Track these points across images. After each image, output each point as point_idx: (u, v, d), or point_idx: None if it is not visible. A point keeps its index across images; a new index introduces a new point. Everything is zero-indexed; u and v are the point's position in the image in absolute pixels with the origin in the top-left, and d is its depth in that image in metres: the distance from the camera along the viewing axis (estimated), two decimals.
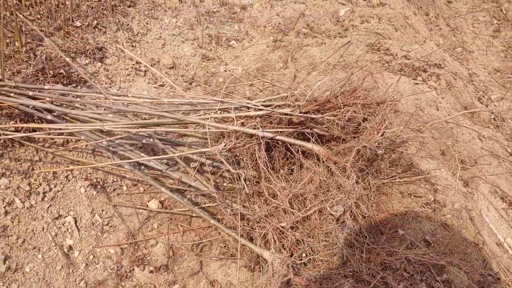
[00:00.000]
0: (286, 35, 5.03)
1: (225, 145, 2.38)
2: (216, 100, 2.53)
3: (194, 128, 2.70)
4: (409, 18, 5.76)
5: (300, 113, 2.36)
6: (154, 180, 2.95)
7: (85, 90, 3.22)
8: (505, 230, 3.00)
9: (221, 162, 2.37)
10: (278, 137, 2.35)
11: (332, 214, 2.19)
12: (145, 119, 3.41)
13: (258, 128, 2.36)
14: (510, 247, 2.87)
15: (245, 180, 2.33)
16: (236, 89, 4.24)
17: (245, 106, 2.51)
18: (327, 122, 2.31)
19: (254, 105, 2.45)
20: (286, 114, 2.35)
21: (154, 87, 4.10)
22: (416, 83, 4.00)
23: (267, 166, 2.30)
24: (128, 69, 4.05)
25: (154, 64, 4.34)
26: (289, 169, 2.52)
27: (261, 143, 2.35)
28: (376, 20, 5.30)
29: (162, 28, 4.73)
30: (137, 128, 2.52)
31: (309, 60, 4.41)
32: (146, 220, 2.89)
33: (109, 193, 2.98)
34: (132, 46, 4.34)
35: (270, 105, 2.46)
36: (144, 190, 3.09)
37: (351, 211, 2.23)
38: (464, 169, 3.32)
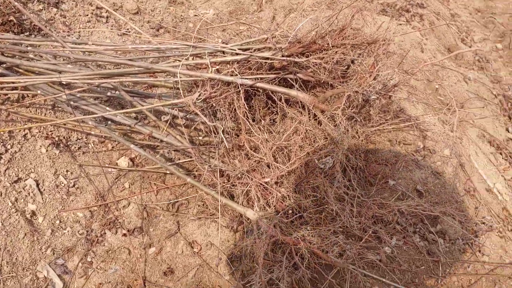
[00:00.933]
0: None
1: (199, 95, 2.14)
2: (188, 45, 2.25)
3: (164, 78, 2.43)
4: None
5: (283, 56, 2.11)
6: (122, 136, 2.70)
7: (40, 39, 2.87)
8: (494, 176, 2.90)
9: (196, 114, 2.13)
10: (258, 84, 2.11)
11: (320, 168, 2.01)
12: (110, 69, 3.10)
13: (236, 75, 2.11)
14: (499, 193, 2.78)
15: (223, 133, 2.11)
16: (208, 34, 3.93)
17: (220, 51, 2.24)
18: (313, 66, 2.08)
19: (231, 49, 2.19)
20: (267, 58, 2.10)
21: (118, 34, 3.75)
22: (400, 24, 3.77)
23: (247, 117, 2.08)
24: (87, 15, 3.66)
25: (117, 9, 3.95)
26: (271, 120, 2.30)
27: (239, 91, 2.11)
28: None
29: None
30: (99, 79, 2.23)
31: (285, 1, 4.10)
32: (116, 180, 2.66)
33: (74, 151, 2.72)
34: None
35: (248, 49, 2.20)
36: (112, 147, 2.84)
37: (340, 163, 2.05)
38: (451, 113, 3.17)
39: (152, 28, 3.92)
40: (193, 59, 2.30)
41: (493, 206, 2.64)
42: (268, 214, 1.92)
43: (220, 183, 2.08)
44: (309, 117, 2.15)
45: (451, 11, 5.01)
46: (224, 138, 1.95)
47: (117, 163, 2.76)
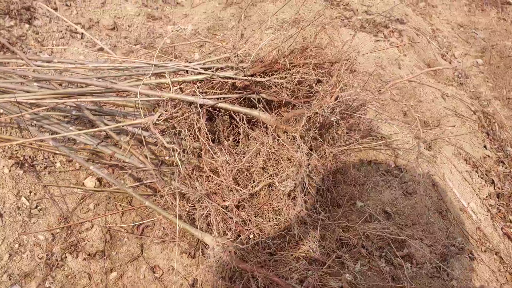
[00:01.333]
0: None
1: (160, 115, 2.08)
2: (150, 64, 2.20)
3: (125, 97, 2.38)
4: None
5: (245, 76, 2.06)
6: (92, 156, 2.64)
7: (5, 56, 2.82)
8: (469, 194, 2.85)
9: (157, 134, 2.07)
10: (220, 105, 2.06)
11: (282, 190, 1.95)
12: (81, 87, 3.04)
13: (197, 95, 2.06)
14: (473, 212, 2.73)
15: (184, 153, 2.06)
16: (184, 51, 3.89)
17: (184, 70, 2.19)
18: (275, 86, 2.03)
19: (193, 69, 2.14)
20: (229, 78, 2.05)
21: (93, 51, 3.70)
22: (377, 40, 3.75)
23: (208, 138, 2.02)
24: (61, 31, 3.62)
25: (93, 25, 3.91)
26: (235, 140, 2.24)
27: (200, 111, 2.05)
28: None
29: None
30: (58, 98, 2.17)
31: (263, 18, 4.08)
32: (82, 201, 2.59)
33: (39, 171, 2.65)
34: (67, 5, 3.88)
35: (211, 68, 2.15)
36: (80, 167, 2.77)
37: (303, 185, 1.99)
38: (427, 131, 3.13)
39: (128, 44, 3.88)
40: (156, 78, 2.24)
41: (467, 226, 2.59)
42: (226, 240, 1.85)
43: (180, 206, 2.01)
44: (273, 138, 2.09)
45: (432, 26, 5.00)
46: (179, 162, 1.89)
47: (84, 183, 2.69)
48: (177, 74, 2.23)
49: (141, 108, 2.09)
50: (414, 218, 2.33)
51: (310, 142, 2.07)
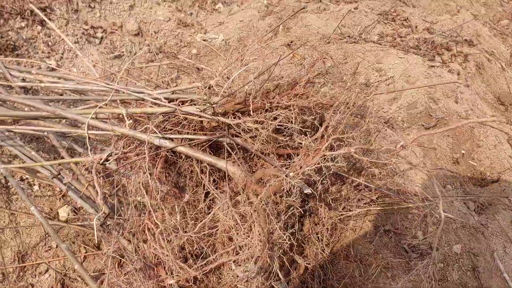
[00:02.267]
0: None
1: (110, 154, 1.65)
2: (110, 88, 1.78)
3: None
4: None
5: (214, 113, 1.58)
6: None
7: None
8: None
9: (105, 176, 1.65)
10: (179, 149, 1.59)
11: (239, 276, 1.44)
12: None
13: (152, 133, 1.61)
14: None
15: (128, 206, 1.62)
16: (209, 64, 3.47)
17: (150, 99, 1.75)
18: (248, 131, 1.52)
19: (156, 98, 1.69)
20: (192, 114, 1.58)
21: (109, 58, 3.39)
22: (432, 66, 3.07)
23: (158, 192, 1.56)
24: (77, 35, 3.34)
25: (116, 30, 3.61)
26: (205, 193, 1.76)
27: (157, 154, 1.60)
28: None
29: None
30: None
31: (303, 30, 3.55)
32: (47, 235, 2.24)
33: (12, 194, 2.34)
34: (90, 7, 3.60)
35: (177, 99, 1.69)
36: (60, 192, 2.42)
37: (271, 270, 1.47)
38: (481, 186, 2.45)
39: (150, 52, 3.53)
40: (120, 104, 1.83)
41: None
42: None
43: (116, 275, 1.57)
44: (246, 198, 1.58)
45: None
46: (95, 227, 1.45)
47: (58, 211, 2.35)
48: (142, 102, 1.79)
49: (88, 142, 1.67)
50: None
51: (292, 210, 1.53)
